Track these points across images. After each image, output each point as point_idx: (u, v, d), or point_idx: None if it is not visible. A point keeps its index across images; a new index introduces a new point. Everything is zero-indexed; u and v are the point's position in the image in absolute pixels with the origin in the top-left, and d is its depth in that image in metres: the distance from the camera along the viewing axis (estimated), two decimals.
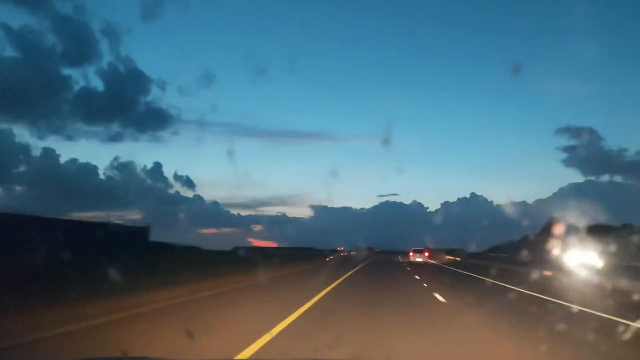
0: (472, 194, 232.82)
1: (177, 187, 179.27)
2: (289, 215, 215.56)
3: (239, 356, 5.69)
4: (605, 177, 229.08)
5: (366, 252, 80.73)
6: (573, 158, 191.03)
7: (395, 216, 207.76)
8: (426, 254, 47.15)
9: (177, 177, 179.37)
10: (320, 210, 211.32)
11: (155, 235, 43.18)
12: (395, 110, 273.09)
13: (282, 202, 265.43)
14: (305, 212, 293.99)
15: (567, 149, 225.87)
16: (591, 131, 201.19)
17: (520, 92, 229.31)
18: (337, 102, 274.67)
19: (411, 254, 47.57)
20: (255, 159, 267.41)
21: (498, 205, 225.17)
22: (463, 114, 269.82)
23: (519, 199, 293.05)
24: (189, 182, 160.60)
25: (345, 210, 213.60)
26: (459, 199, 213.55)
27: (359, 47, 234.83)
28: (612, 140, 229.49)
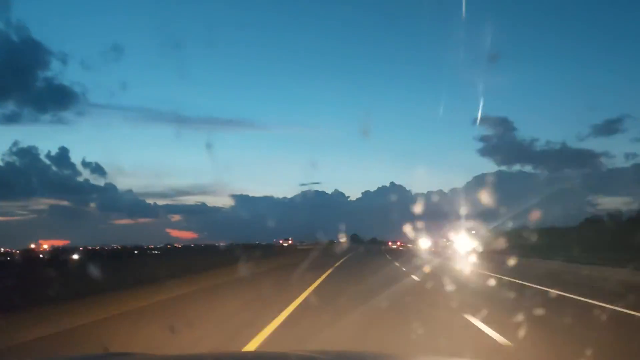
0: (392, 183, 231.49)
1: (87, 175, 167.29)
2: (208, 205, 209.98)
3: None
4: (517, 167, 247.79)
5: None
6: (488, 148, 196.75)
7: (318, 205, 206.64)
8: (398, 243, 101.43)
9: (86, 163, 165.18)
10: (242, 200, 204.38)
11: None
12: (318, 97, 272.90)
13: (202, 191, 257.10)
14: (225, 202, 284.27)
15: (484, 138, 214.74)
16: (506, 121, 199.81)
17: (439, 83, 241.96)
18: (259, 87, 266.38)
19: (390, 243, 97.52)
20: (173, 145, 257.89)
21: (417, 194, 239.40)
22: (383, 102, 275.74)
23: (437, 188, 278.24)
24: (99, 170, 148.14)
25: (267, 199, 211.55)
26: (379, 188, 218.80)
27: (282, 32, 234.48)
28: (525, 131, 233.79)
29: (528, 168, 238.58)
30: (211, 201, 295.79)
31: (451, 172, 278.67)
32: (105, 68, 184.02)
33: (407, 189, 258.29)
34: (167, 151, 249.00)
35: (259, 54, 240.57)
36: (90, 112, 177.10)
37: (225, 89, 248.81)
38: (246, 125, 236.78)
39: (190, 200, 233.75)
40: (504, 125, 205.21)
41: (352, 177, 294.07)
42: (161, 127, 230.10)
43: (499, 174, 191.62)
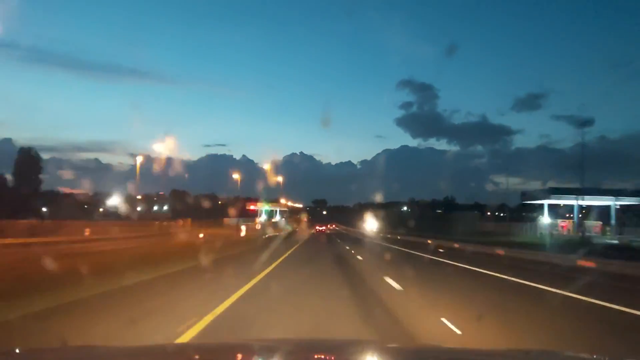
0: (302, 153, 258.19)
1: None
2: (103, 162, 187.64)
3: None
4: (432, 140, 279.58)
5: None
6: (407, 117, 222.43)
7: (225, 170, 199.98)
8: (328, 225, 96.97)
9: None
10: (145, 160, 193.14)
11: None
12: (233, 54, 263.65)
13: (101, 148, 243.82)
14: (126, 161, 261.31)
15: (405, 105, 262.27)
16: (430, 88, 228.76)
17: (363, 43, 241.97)
18: (170, 36, 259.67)
19: (317, 226, 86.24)
20: (69, 95, 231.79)
21: (327, 164, 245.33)
22: (299, 59, 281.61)
23: (347, 159, 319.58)
24: None
25: (169, 160, 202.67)
26: (286, 156, 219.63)
27: None
28: (448, 100, 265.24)
29: (443, 142, 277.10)
30: (109, 159, 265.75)
31: (366, 142, 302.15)
32: None
33: (317, 159, 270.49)
34: (62, 100, 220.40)
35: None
36: None
37: (130, 34, 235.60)
38: (152, 78, 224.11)
39: (87, 157, 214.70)
40: (427, 92, 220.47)
41: (260, 142, 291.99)
42: (56, 72, 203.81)
43: (404, 149, 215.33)
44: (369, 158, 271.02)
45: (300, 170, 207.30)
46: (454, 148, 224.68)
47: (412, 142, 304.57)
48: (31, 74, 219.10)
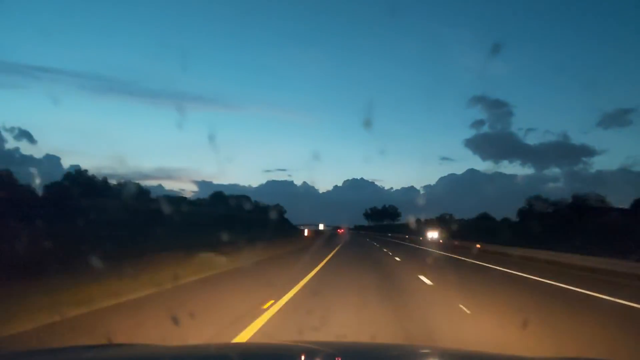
0: (362, 178, 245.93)
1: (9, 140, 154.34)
2: (166, 188, 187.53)
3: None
4: (504, 163, 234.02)
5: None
6: (478, 138, 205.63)
7: (287, 198, 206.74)
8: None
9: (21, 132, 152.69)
10: (206, 187, 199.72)
11: None
12: (294, 78, 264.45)
13: (167, 175, 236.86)
14: (189, 187, 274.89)
15: (476, 124, 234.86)
16: (503, 105, 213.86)
17: (430, 63, 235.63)
18: (228, 62, 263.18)
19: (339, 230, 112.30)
20: (135, 122, 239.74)
21: (388, 190, 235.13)
22: (361, 82, 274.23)
23: (410, 184, 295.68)
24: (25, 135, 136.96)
25: (232, 187, 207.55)
26: (345, 181, 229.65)
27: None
28: (523, 117, 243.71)
29: (516, 164, 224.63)
30: (172, 186, 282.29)
31: (430, 166, 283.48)
32: (57, 28, 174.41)
33: (378, 184, 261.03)
34: (127, 127, 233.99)
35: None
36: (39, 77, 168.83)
37: (194, 60, 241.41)
38: (216, 104, 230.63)
39: (150, 183, 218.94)
40: (501, 109, 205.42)
41: (321, 167, 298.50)
42: (116, 98, 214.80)
43: (470, 173, 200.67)
44: (433, 182, 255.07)
45: (359, 196, 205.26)
46: (527, 171, 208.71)
47: (481, 165, 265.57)
48: (98, 103, 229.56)
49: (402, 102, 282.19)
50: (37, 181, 61.45)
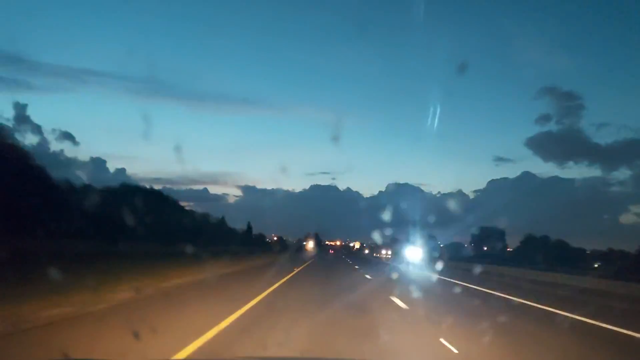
0: (407, 183, 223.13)
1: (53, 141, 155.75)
2: (211, 192, 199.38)
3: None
4: (569, 164, 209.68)
5: None
6: (540, 137, 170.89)
7: (331, 204, 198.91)
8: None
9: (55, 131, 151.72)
10: (249, 192, 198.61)
11: None
12: (337, 78, 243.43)
13: (212, 180, 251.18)
14: (232, 192, 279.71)
15: (541, 119, 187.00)
16: (573, 97, 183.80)
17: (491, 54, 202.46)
18: (272, 62, 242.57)
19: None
20: (181, 126, 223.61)
21: (435, 195, 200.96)
22: (410, 75, 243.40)
23: (459, 187, 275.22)
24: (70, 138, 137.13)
25: (276, 192, 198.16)
26: (390, 185, 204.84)
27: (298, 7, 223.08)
28: (595, 112, 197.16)
29: (582, 165, 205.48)
30: (217, 190, 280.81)
31: (486, 168, 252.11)
32: (108, 32, 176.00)
33: (425, 189, 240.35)
34: (173, 131, 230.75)
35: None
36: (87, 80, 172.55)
37: (238, 62, 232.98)
38: (261, 106, 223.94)
39: (195, 187, 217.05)
40: (571, 102, 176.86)
41: (365, 170, 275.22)
42: (166, 102, 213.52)
43: (525, 177, 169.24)
44: (484, 186, 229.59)
45: (404, 202, 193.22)
46: (593, 173, 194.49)
47: (543, 166, 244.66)
48: (143, 105, 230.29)
49: (456, 98, 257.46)
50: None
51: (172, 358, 5.81)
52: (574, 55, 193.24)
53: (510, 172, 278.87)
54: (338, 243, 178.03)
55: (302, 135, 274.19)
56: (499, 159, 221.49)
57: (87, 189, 53.49)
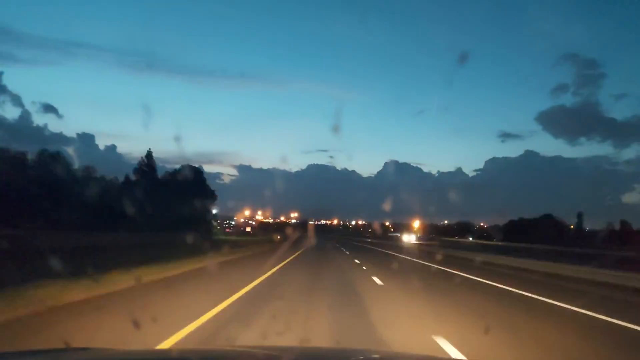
0: (406, 163, 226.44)
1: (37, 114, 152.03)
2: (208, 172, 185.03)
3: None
4: (581, 140, 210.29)
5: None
6: (555, 109, 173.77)
7: (328, 184, 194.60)
8: None
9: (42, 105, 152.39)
10: (245, 171, 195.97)
11: None
12: (338, 52, 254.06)
13: (208, 159, 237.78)
14: (228, 171, 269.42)
15: (558, 88, 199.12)
16: (594, 64, 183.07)
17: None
18: (269, 34, 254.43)
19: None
20: (179, 102, 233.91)
21: (432, 174, 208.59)
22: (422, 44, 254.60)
23: (458, 165, 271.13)
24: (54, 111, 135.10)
25: (272, 172, 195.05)
26: (388, 163, 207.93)
27: None
28: (615, 82, 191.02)
29: (593, 142, 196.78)
30: (213, 170, 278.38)
31: (491, 144, 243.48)
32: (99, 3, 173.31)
33: (425, 169, 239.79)
34: (171, 107, 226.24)
35: None
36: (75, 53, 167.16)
37: (235, 36, 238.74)
38: (257, 80, 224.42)
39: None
40: (591, 70, 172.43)
41: (363, 147, 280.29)
42: (153, 76, 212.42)
43: (529, 156, 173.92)
44: (482, 166, 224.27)
45: (399, 181, 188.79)
46: (605, 150, 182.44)
47: (552, 143, 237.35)
48: (136, 80, 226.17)
49: (463, 71, 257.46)
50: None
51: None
52: (596, 22, 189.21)
53: (517, 149, 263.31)
54: (335, 222, 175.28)
55: (299, 112, 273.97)
56: (505, 135, 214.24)
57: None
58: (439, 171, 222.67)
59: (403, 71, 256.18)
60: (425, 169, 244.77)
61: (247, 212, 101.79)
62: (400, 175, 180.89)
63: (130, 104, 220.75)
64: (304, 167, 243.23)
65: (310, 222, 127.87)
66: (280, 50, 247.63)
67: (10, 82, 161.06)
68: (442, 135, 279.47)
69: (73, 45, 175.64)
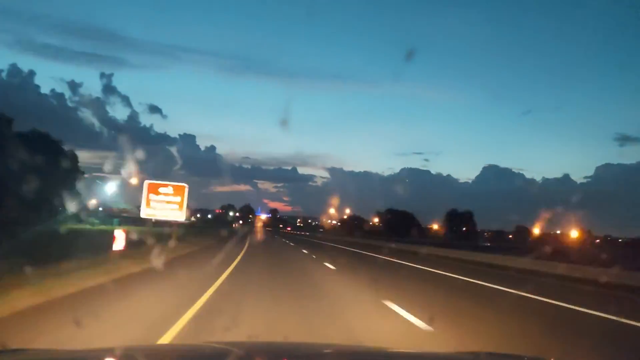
0: (506, 167, 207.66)
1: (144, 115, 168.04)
2: (299, 173, 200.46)
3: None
4: None
5: None
6: None
7: (423, 190, 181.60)
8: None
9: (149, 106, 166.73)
10: (336, 174, 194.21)
11: None
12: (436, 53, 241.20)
13: (302, 162, 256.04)
14: (320, 174, 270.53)
15: None
16: None
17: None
18: (367, 37, 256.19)
19: None
20: (263, 103, 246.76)
21: (538, 181, 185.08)
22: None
23: (565, 172, 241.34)
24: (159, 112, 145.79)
25: (363, 175, 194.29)
26: (486, 167, 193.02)
27: None
28: None
29: None
30: (305, 172, 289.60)
31: (603, 148, 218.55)
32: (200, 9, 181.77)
33: (527, 175, 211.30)
34: (261, 108, 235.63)
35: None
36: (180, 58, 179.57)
37: (331, 40, 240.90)
38: (351, 81, 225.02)
39: (284, 169, 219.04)
40: None
41: (459, 152, 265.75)
42: (256, 78, 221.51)
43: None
44: (592, 173, 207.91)
45: (498, 188, 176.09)
46: None
47: None
48: (234, 83, 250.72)
49: (574, 65, 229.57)
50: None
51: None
52: None
53: (637, 154, 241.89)
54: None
55: (394, 113, 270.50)
56: (624, 138, 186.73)
57: None
58: (543, 177, 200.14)
59: (506, 68, 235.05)
60: (527, 175, 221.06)
61: (332, 211, 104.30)
62: (499, 180, 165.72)
63: (227, 106, 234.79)
64: (397, 170, 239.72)
65: None
66: (376, 51, 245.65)
67: (120, 84, 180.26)
68: (549, 137, 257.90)
69: (178, 49, 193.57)
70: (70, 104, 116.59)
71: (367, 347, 5.01)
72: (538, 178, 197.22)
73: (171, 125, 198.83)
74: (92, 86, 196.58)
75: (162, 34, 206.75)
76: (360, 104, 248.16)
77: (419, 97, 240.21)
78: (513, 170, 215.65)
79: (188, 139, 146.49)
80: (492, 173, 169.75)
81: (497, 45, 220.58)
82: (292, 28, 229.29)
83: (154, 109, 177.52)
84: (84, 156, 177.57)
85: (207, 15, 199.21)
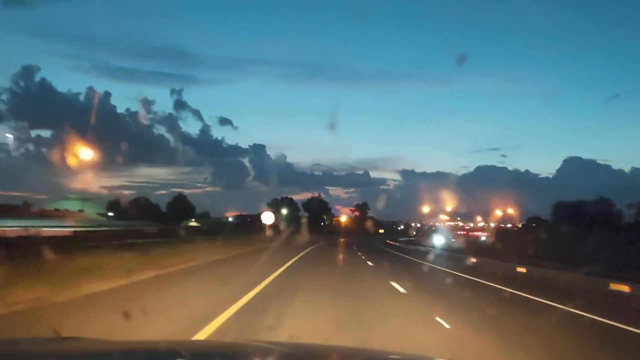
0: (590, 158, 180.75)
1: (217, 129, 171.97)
2: (372, 177, 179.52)
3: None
4: None
5: None
6: None
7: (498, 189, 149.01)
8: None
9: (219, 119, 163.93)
10: (408, 176, 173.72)
11: None
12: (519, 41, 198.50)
13: (373, 165, 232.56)
14: (391, 177, 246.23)
15: None
16: None
17: None
18: (433, 33, 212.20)
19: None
20: (330, 108, 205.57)
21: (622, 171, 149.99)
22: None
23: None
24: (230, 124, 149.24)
25: (436, 176, 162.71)
26: (567, 159, 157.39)
27: None
28: None
29: None
30: (377, 175, 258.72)
31: None
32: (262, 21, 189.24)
33: (607, 164, 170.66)
34: (328, 114, 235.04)
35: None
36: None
37: (395, 39, 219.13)
38: (420, 79, 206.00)
39: (356, 174, 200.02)
40: None
41: (539, 145, 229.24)
42: (322, 85, 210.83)
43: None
44: None
45: (581, 181, 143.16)
46: None
47: None
48: (300, 90, 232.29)
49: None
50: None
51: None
52: None
53: None
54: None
55: (467, 109, 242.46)
56: None
57: None
58: (632, 167, 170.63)
59: (587, 51, 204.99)
60: (614, 166, 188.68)
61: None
62: (583, 173, 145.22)
63: (295, 113, 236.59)
64: (471, 169, 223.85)
65: None
66: (442, 46, 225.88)
67: (190, 99, 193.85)
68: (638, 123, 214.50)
69: (243, 62, 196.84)
70: (144, 122, 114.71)
71: (416, 354, 5.20)
72: (627, 169, 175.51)
73: (242, 136, 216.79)
74: (165, 102, 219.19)
75: (227, 49, 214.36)
76: (427, 103, 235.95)
77: (488, 90, 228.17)
78: (598, 161, 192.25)
79: (258, 149, 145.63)
80: (574, 166, 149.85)
81: (574, 27, 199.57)
82: (355, 31, 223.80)
83: (225, 121, 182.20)
84: (160, 172, 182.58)
85: (268, 28, 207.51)
